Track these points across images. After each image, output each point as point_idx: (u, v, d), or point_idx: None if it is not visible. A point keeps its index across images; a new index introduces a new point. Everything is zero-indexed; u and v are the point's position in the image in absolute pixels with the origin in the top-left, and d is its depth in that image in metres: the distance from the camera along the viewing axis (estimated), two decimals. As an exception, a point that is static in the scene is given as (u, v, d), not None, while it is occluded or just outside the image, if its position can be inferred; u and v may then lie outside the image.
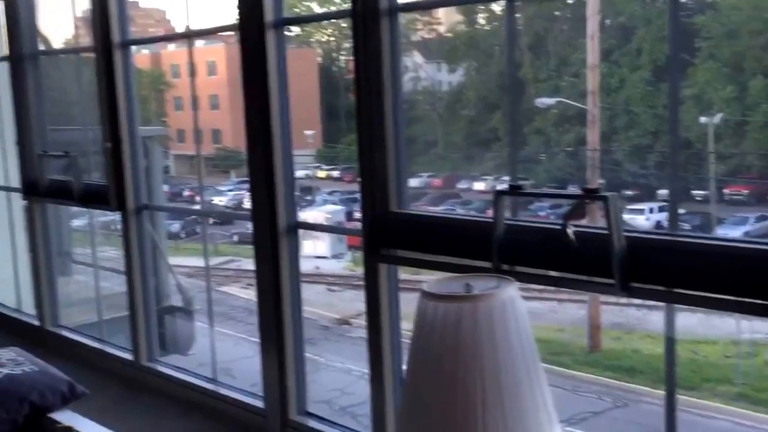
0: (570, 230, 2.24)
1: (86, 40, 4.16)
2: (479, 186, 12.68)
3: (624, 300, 9.41)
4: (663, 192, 10.38)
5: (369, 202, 2.67)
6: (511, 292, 1.77)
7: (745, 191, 10.81)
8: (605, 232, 2.15)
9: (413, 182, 14.13)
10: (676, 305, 2.34)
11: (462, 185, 13.52)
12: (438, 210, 10.14)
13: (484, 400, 1.69)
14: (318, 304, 12.31)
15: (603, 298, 9.46)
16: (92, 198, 4.01)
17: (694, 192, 10.51)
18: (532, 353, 1.77)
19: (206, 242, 4.71)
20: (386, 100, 2.66)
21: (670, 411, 2.36)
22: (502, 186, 2.38)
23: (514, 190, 2.33)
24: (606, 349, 9.27)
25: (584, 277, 2.28)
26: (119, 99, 3.74)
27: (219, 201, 15.95)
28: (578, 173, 11.48)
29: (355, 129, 2.72)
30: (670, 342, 2.40)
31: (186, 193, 15.82)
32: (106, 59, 3.72)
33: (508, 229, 2.37)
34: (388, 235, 2.67)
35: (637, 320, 9.17)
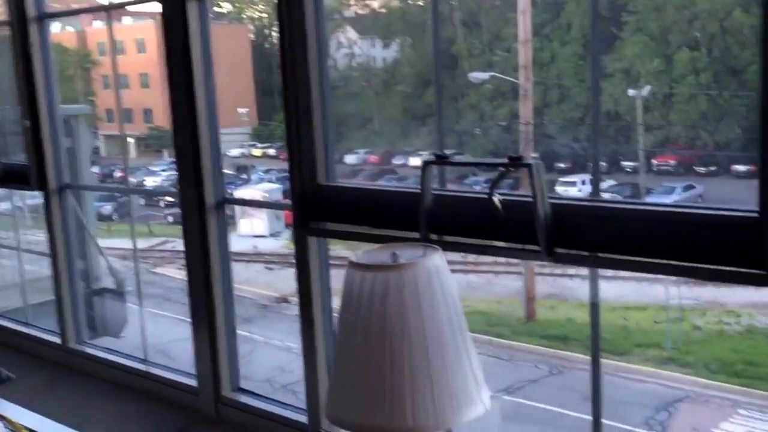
0: (496, 198, 2.26)
1: (3, 16, 4.02)
2: (415, 162, 12.71)
3: (558, 270, 9.60)
4: (594, 164, 10.57)
5: (297, 175, 2.65)
6: (437, 260, 1.78)
7: (673, 162, 11.10)
8: (531, 199, 2.18)
9: (350, 159, 14.12)
10: (600, 271, 2.39)
11: (398, 161, 13.55)
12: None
13: (411, 366, 1.71)
14: (257, 282, 12.25)
15: (537, 269, 9.63)
16: (12, 178, 3.90)
17: (624, 163, 10.76)
18: (459, 319, 1.79)
19: (133, 221, 4.64)
20: (312, 72, 2.63)
21: (596, 374, 2.41)
22: (428, 156, 2.39)
23: (441, 159, 2.35)
24: (541, 318, 9.45)
25: (511, 245, 2.31)
26: (36, 75, 3.62)
27: (153, 181, 15.67)
28: (512, 147, 11.62)
29: (282, 102, 2.70)
30: (595, 307, 2.46)
31: (117, 174, 15.48)
32: (21, 34, 3.60)
33: (437, 199, 2.38)
34: (316, 208, 2.66)
35: (570, 290, 9.37)
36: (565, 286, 9.51)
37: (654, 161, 11.01)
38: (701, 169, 10.77)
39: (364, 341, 1.75)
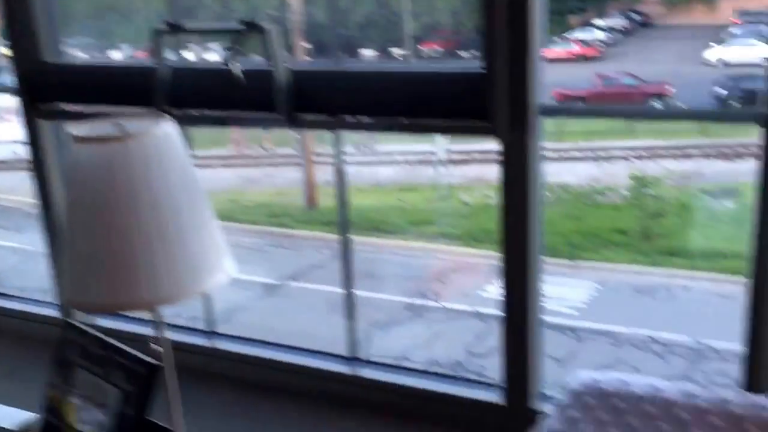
0: (235, 68, 2.19)
1: None
2: (188, 54, 12.18)
3: (334, 159, 9.75)
4: (367, 52, 10.70)
5: (18, 52, 2.42)
6: (167, 129, 1.70)
7: (440, 48, 11.43)
8: (271, 68, 2.14)
9: (116, 55, 13.27)
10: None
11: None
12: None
13: (144, 239, 1.64)
14: (22, 191, 11.45)
15: (316, 158, 9.71)
16: None
17: (395, 50, 10.94)
18: (195, 188, 1.73)
19: None
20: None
21: (345, 246, 2.46)
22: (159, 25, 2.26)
23: (174, 28, 2.23)
24: (322, 206, 9.60)
25: (254, 114, 2.27)
26: None
27: None
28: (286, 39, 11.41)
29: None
30: (340, 174, 2.49)
31: None
32: None
33: (177, 73, 2.27)
34: (45, 88, 2.46)
35: (350, 176, 9.56)
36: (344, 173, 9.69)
37: (422, 48, 11.29)
38: (465, 54, 11.20)
39: (92, 218, 1.65)
